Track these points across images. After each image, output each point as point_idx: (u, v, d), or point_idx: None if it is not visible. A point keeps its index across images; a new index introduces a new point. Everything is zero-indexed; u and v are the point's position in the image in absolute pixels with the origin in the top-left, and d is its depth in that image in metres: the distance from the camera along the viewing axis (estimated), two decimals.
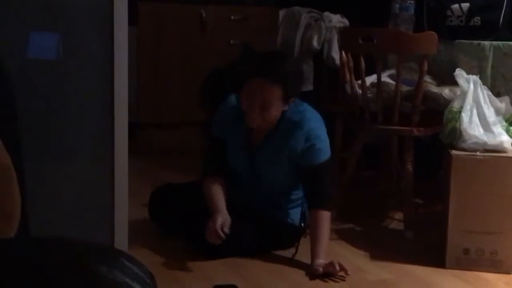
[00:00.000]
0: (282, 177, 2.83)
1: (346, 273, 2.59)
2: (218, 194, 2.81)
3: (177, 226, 2.94)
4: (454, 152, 2.75)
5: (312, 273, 2.62)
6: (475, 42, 3.16)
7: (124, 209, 2.43)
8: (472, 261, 2.74)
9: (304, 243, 2.79)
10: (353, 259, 2.84)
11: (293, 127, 2.74)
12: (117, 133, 2.38)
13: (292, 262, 2.75)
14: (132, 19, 3.34)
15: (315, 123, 2.76)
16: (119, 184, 2.41)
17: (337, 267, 2.58)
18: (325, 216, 2.70)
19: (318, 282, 2.59)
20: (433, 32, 3.04)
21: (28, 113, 2.23)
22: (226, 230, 2.66)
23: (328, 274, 2.60)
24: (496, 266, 2.73)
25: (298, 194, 2.88)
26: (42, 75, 2.32)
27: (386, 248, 2.99)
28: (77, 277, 1.05)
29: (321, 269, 2.60)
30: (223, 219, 2.69)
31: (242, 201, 2.89)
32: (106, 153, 2.38)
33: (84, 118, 2.39)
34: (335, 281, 2.58)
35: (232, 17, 4.66)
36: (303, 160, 2.74)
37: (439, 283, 2.64)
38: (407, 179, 3.15)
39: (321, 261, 2.63)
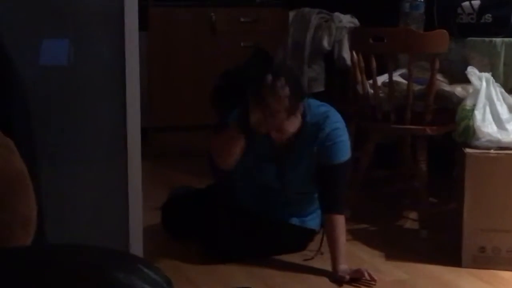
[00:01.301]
0: (307, 182, 2.80)
1: (374, 281, 2.55)
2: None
3: (191, 232, 2.93)
4: (467, 150, 2.74)
5: (338, 280, 2.58)
6: (487, 39, 3.14)
7: (139, 213, 2.44)
8: (488, 259, 2.73)
9: (313, 246, 2.81)
10: (369, 259, 2.83)
11: (316, 130, 2.71)
12: (130, 137, 2.38)
13: (307, 265, 2.74)
14: (143, 24, 3.34)
15: (336, 124, 2.73)
16: (133, 189, 2.41)
17: (366, 274, 2.55)
18: (340, 220, 2.67)
19: (332, 284, 2.58)
20: (444, 30, 3.03)
21: (41, 119, 2.24)
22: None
23: (354, 280, 2.57)
24: None
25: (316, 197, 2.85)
26: (55, 82, 2.33)
27: (401, 247, 2.98)
28: (94, 284, 1.05)
29: (348, 276, 2.57)
30: None
31: (258, 211, 2.86)
32: (120, 157, 2.38)
33: (97, 124, 2.40)
34: (362, 286, 2.56)
35: (242, 20, 4.66)
36: (321, 157, 2.70)
37: (456, 282, 2.63)
38: (421, 178, 3.13)
39: (343, 266, 2.59)
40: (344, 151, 2.72)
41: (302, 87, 2.81)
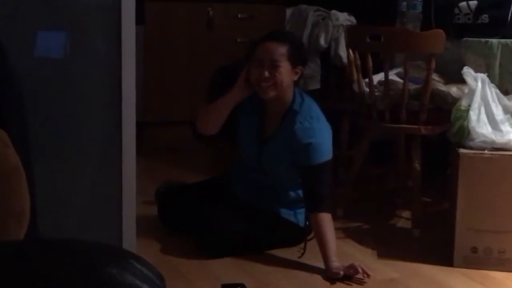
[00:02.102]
0: (285, 172, 2.84)
1: (368, 276, 2.57)
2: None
3: (187, 225, 2.94)
4: (462, 150, 2.74)
5: (331, 277, 2.59)
6: (483, 40, 3.14)
7: (132, 208, 2.43)
8: (480, 259, 2.74)
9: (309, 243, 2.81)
10: (361, 257, 2.84)
11: (294, 121, 2.76)
12: (125, 131, 2.38)
13: (299, 261, 2.75)
14: (140, 18, 3.34)
15: (315, 123, 2.76)
16: (127, 183, 2.41)
17: (359, 270, 2.56)
18: (327, 218, 2.68)
19: (324, 282, 2.59)
20: (441, 30, 3.03)
21: (36, 112, 2.23)
22: None
23: (348, 276, 2.58)
24: (505, 265, 2.72)
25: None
26: (50, 74, 2.33)
27: (393, 246, 2.99)
28: (87, 279, 1.05)
29: (341, 273, 2.57)
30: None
31: (248, 193, 2.90)
32: (114, 152, 2.38)
33: (92, 117, 2.39)
34: (354, 284, 2.56)
35: (239, 15, 4.66)
36: (300, 157, 2.74)
37: (447, 282, 2.64)
38: (414, 177, 3.14)
39: (336, 263, 2.60)
40: (324, 151, 2.73)
41: (301, 52, 2.85)
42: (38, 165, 2.07)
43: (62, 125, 2.35)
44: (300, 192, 2.85)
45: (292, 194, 2.87)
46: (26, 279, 1.04)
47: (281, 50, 2.72)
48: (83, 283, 1.04)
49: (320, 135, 2.74)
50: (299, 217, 2.87)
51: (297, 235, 2.87)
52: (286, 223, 2.86)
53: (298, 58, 2.77)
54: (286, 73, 2.72)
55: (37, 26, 2.27)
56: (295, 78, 2.78)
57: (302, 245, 2.83)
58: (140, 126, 3.84)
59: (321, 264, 2.65)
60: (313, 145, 2.71)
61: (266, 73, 2.71)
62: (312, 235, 2.78)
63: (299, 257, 2.77)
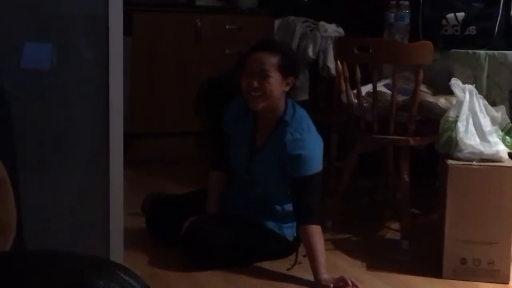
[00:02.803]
0: (274, 183, 2.83)
1: None
2: (213, 192, 2.97)
3: (174, 237, 2.92)
4: (450, 161, 2.74)
5: None
6: (471, 51, 3.16)
7: (120, 220, 2.42)
8: (469, 271, 2.73)
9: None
10: (350, 269, 2.83)
11: (285, 131, 2.74)
12: (112, 142, 2.37)
13: (288, 274, 2.73)
14: (127, 29, 3.32)
15: (305, 135, 2.75)
16: (115, 195, 2.39)
17: (349, 282, 2.54)
18: (315, 230, 2.66)
19: None
20: (429, 42, 3.04)
21: (23, 124, 2.21)
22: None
23: None
24: (493, 276, 2.72)
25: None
26: (37, 85, 2.31)
27: (382, 258, 2.98)
28: None
29: (332, 286, 2.55)
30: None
31: (236, 206, 2.89)
32: (102, 163, 2.37)
33: (79, 128, 2.38)
34: None
35: (227, 27, 4.66)
36: (289, 169, 2.72)
37: None
38: (403, 189, 3.14)
39: (325, 276, 2.58)
40: (312, 163, 2.71)
41: (293, 62, 2.83)
42: (24, 177, 2.05)
43: (49, 137, 2.34)
44: (288, 206, 2.83)
45: (279, 208, 2.86)
46: None
47: (272, 60, 2.71)
48: None
49: (311, 146, 2.73)
50: (286, 231, 2.85)
51: (285, 248, 2.86)
52: (274, 236, 2.85)
53: (289, 68, 2.76)
54: (276, 84, 2.72)
55: (23, 37, 2.26)
56: (286, 89, 2.77)
57: (290, 257, 2.82)
58: (128, 138, 3.82)
59: (310, 277, 2.64)
60: (303, 157, 2.70)
61: (255, 83, 2.70)
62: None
63: (288, 269, 2.75)
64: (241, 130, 2.90)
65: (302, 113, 2.81)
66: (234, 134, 2.93)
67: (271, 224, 2.84)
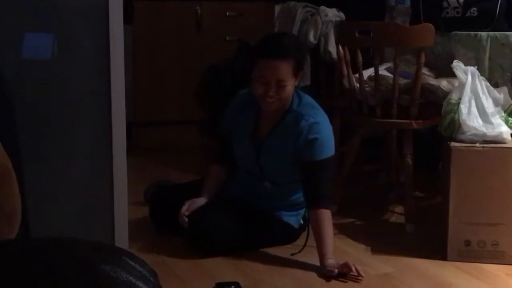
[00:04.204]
0: (284, 172, 2.82)
1: (361, 275, 2.54)
2: (209, 181, 2.94)
3: (179, 226, 2.93)
4: (453, 144, 2.74)
5: (326, 274, 2.57)
6: (472, 33, 3.15)
7: (124, 208, 2.42)
8: (473, 252, 2.74)
9: (300, 241, 2.82)
10: (355, 253, 2.83)
11: (298, 119, 2.74)
12: (115, 131, 2.37)
13: (293, 259, 2.74)
14: (128, 18, 3.32)
15: (319, 118, 2.74)
16: (118, 182, 2.40)
17: (353, 269, 2.54)
18: (327, 215, 2.66)
19: (319, 279, 2.58)
20: (430, 24, 3.03)
21: (26, 114, 2.21)
22: (186, 212, 2.77)
23: (342, 274, 2.56)
24: (498, 257, 2.72)
25: (300, 198, 2.84)
26: (39, 76, 2.31)
27: (387, 241, 2.98)
28: (80, 276, 1.05)
29: (336, 270, 2.55)
30: (189, 203, 2.80)
31: (243, 195, 2.89)
32: (105, 151, 2.37)
33: (81, 118, 2.38)
34: (348, 281, 2.54)
35: (227, 14, 4.65)
36: (303, 153, 2.71)
37: (441, 276, 2.63)
38: (407, 172, 3.14)
39: (331, 261, 2.58)
40: (326, 147, 2.71)
41: (303, 57, 2.79)
42: (28, 166, 2.05)
43: (52, 126, 2.34)
44: (295, 197, 2.84)
45: (286, 200, 2.86)
46: (18, 277, 1.03)
47: (287, 69, 2.65)
48: (77, 280, 1.03)
49: (325, 130, 2.73)
50: (292, 218, 2.86)
51: (290, 235, 2.87)
52: (279, 223, 2.85)
53: (301, 65, 2.72)
54: (292, 87, 2.70)
55: (24, 28, 2.26)
56: (297, 83, 2.76)
57: (295, 243, 2.83)
58: (130, 127, 3.83)
59: (315, 261, 2.64)
60: (319, 140, 2.69)
61: (272, 92, 2.67)
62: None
63: (292, 254, 2.76)
64: (243, 124, 2.88)
65: (308, 98, 2.81)
66: (236, 129, 2.91)
67: (276, 213, 2.84)
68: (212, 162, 3.01)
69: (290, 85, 2.69)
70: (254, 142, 2.85)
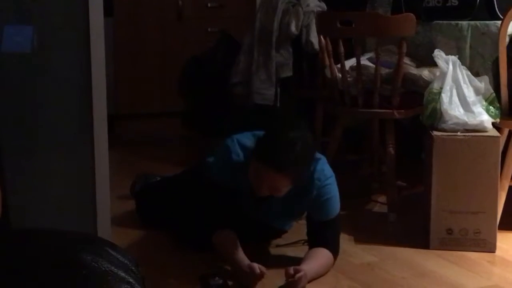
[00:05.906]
0: (289, 220, 2.79)
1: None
2: (227, 244, 2.59)
3: (165, 222, 2.91)
4: (435, 133, 2.76)
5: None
6: (453, 22, 3.16)
7: (106, 202, 2.41)
8: (456, 241, 2.76)
9: (293, 232, 2.83)
10: None
11: (304, 184, 2.56)
12: (96, 125, 2.35)
13: (280, 252, 2.75)
14: (108, 10, 3.30)
15: (326, 180, 2.60)
16: (100, 176, 2.39)
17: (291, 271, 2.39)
18: (328, 254, 2.55)
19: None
20: (411, 14, 3.03)
21: (5, 107, 2.20)
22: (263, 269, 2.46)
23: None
24: (480, 245, 2.74)
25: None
26: (18, 69, 2.29)
27: (370, 231, 3.00)
28: (62, 266, 1.04)
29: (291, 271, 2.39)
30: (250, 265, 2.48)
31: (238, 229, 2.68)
32: (86, 145, 2.36)
33: (62, 111, 2.36)
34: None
35: (209, 5, 4.64)
36: (316, 212, 2.61)
37: (424, 264, 2.65)
38: (389, 162, 3.15)
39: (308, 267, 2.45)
40: (335, 207, 2.62)
41: (304, 168, 2.53)
42: (9, 160, 2.04)
43: (32, 119, 2.32)
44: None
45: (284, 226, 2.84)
46: (3, 265, 1.03)
47: (285, 181, 2.45)
48: (58, 269, 1.02)
49: (335, 189, 2.62)
50: (285, 226, 2.85)
51: (280, 234, 2.87)
52: (273, 229, 2.83)
53: (301, 176, 2.51)
54: (286, 190, 2.51)
55: (3, 20, 2.24)
56: None
57: (284, 236, 2.84)
58: (112, 120, 3.81)
59: (301, 254, 2.62)
60: (329, 200, 2.59)
61: (266, 191, 2.49)
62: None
63: (277, 246, 2.76)
64: (239, 186, 2.61)
65: (321, 162, 2.64)
66: (232, 185, 2.63)
67: (272, 224, 2.79)
68: (215, 231, 2.62)
69: (288, 187, 2.50)
70: (255, 199, 2.61)
